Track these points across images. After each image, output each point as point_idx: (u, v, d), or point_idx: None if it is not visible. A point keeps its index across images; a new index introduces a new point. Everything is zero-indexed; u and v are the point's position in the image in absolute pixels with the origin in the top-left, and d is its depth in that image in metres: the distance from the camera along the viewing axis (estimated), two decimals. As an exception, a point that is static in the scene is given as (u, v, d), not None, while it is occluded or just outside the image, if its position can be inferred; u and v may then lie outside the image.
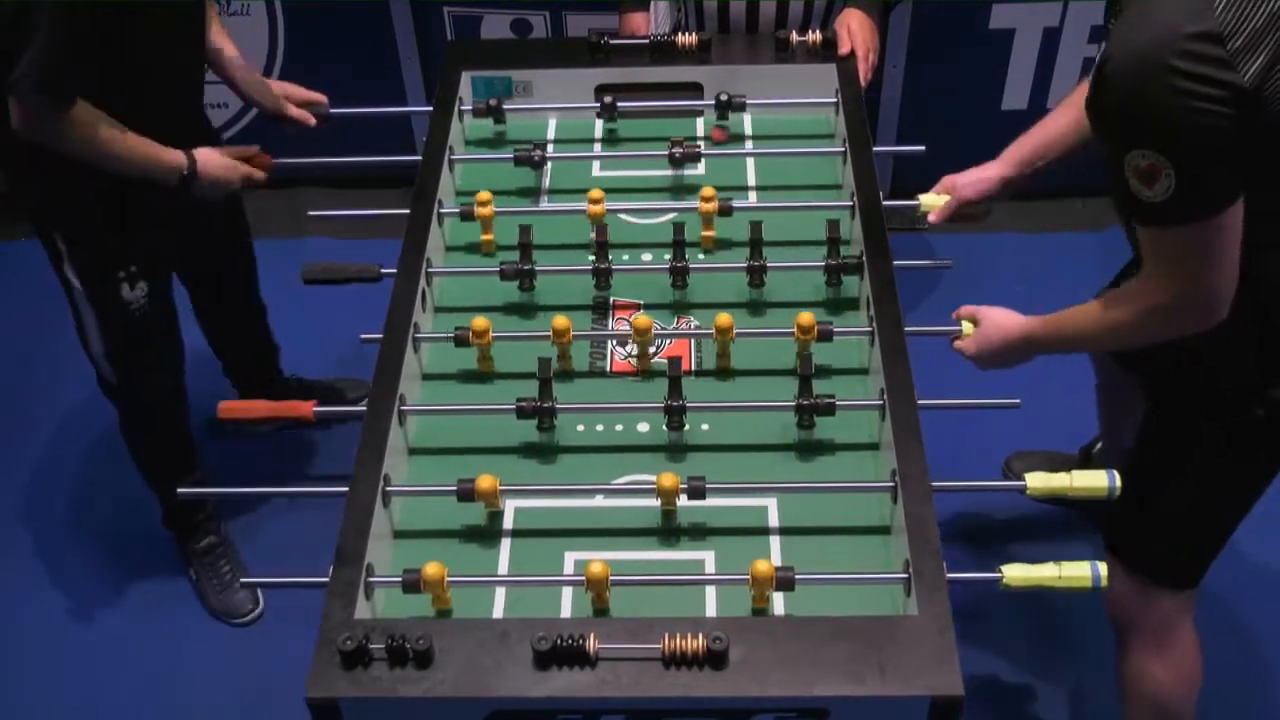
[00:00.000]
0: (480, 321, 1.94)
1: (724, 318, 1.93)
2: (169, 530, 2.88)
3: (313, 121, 2.60)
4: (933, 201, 2.21)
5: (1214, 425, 1.94)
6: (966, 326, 2.02)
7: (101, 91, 2.21)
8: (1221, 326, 1.74)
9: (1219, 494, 2.01)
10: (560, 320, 1.94)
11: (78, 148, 2.21)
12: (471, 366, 1.99)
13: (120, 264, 2.46)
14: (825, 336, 1.93)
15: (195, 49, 2.45)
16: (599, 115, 2.37)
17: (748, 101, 2.36)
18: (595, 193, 2.14)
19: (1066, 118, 2.08)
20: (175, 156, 2.35)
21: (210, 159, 2.39)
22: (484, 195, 2.14)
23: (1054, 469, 1.80)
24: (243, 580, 1.80)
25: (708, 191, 2.14)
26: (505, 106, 2.41)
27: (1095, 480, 1.76)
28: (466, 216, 2.15)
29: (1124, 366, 2.18)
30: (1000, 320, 1.98)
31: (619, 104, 2.37)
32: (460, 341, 1.95)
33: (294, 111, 2.59)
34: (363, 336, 2.05)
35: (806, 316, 1.92)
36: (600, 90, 2.43)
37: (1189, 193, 1.60)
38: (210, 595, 2.82)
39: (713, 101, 2.37)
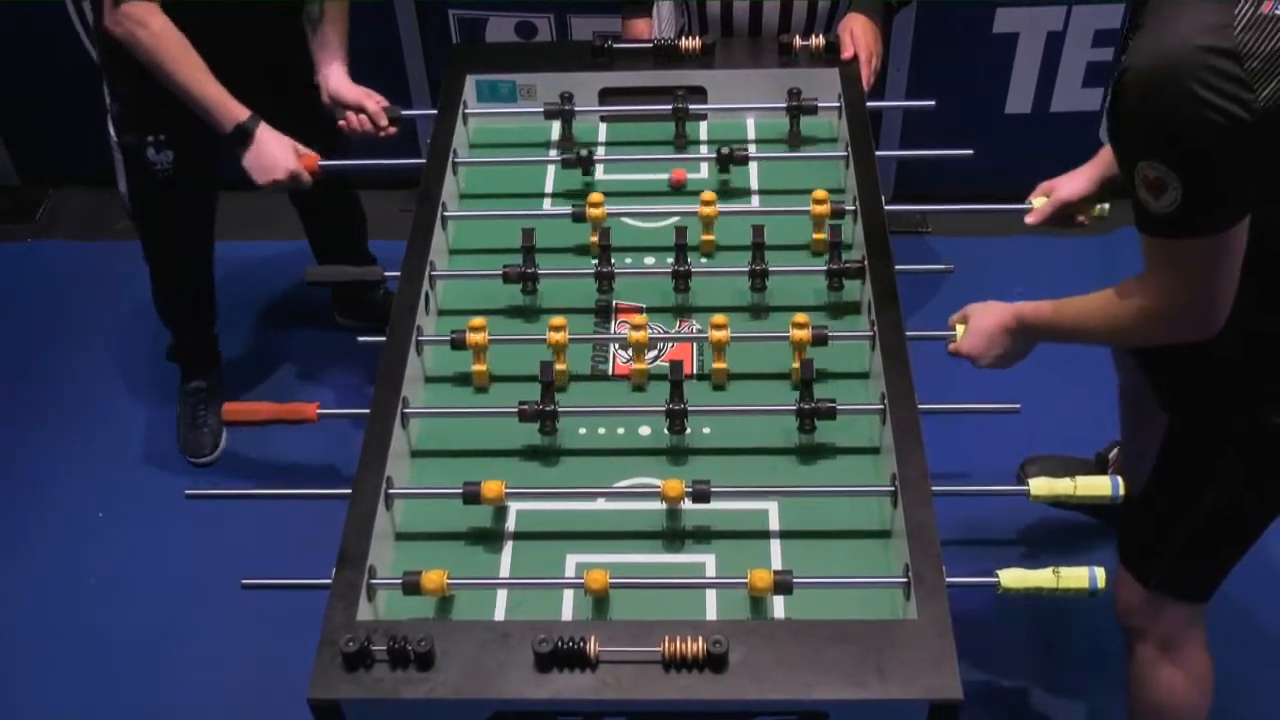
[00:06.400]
0: (477, 321, 1.95)
1: (718, 318, 1.93)
2: (171, 362, 3.11)
3: (384, 121, 2.59)
4: (1039, 204, 2.21)
5: (1233, 439, 1.93)
6: (960, 330, 2.02)
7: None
8: (1235, 337, 1.74)
9: (1237, 512, 1.99)
10: (556, 319, 1.94)
11: (146, 57, 2.40)
12: (470, 370, 2.00)
13: (149, 129, 2.65)
14: (820, 340, 1.93)
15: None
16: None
17: (750, 106, 2.37)
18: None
19: None
20: (233, 109, 2.46)
21: (269, 141, 2.46)
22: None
23: (1070, 474, 1.80)
24: (244, 581, 1.80)
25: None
26: (506, 110, 2.42)
27: (1099, 486, 1.76)
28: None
29: (1144, 371, 2.16)
30: (989, 307, 1.99)
31: (621, 107, 2.39)
32: (456, 344, 1.96)
33: (373, 106, 2.59)
34: (360, 339, 2.08)
35: (801, 316, 1.93)
36: (604, 94, 2.44)
37: (1194, 208, 1.60)
38: (181, 430, 3.10)
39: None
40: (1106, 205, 2.20)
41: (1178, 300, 1.71)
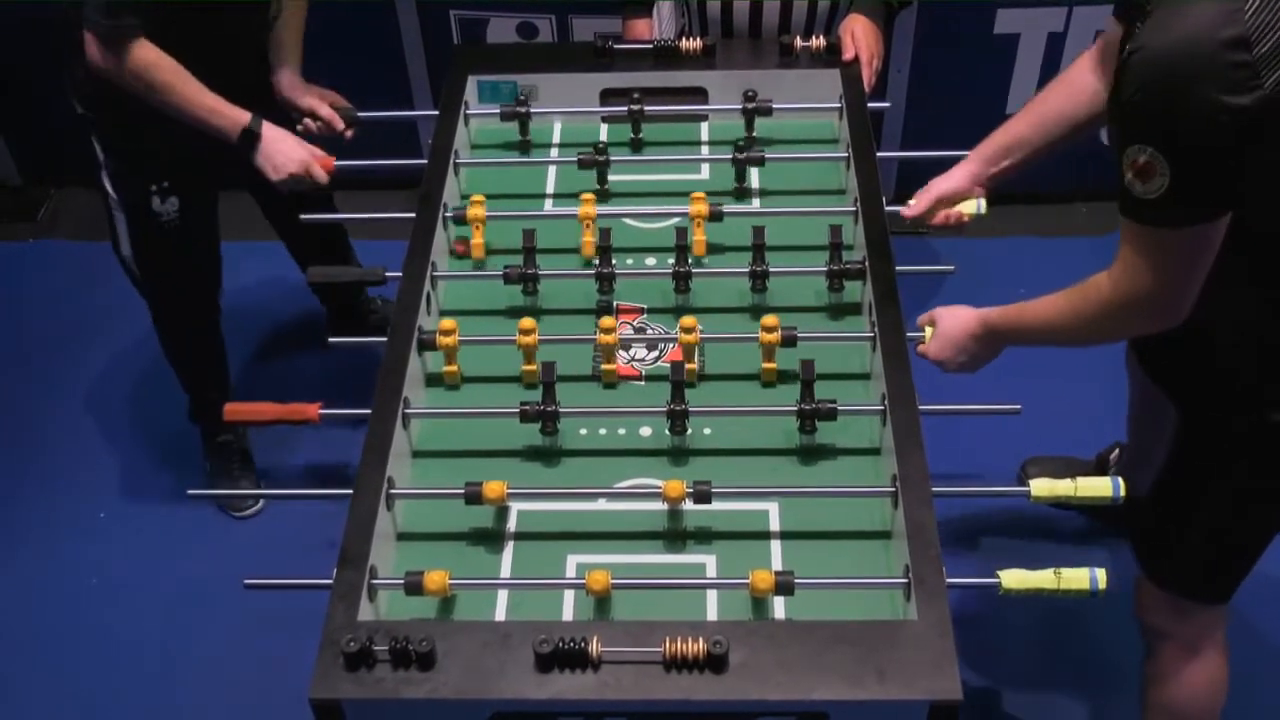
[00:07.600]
0: (447, 323, 1.95)
1: (688, 320, 1.93)
2: (193, 423, 3.03)
3: (341, 125, 2.59)
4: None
5: (1237, 440, 1.92)
6: (928, 332, 2.02)
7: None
8: (1248, 331, 1.73)
9: (1250, 512, 1.98)
10: (527, 322, 1.94)
11: (142, 86, 2.34)
12: (474, 371, 1.99)
13: (152, 178, 2.59)
14: (789, 342, 1.93)
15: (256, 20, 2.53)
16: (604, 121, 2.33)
17: (751, 107, 2.37)
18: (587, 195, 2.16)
19: (1025, 121, 2.09)
20: (236, 115, 2.43)
21: (278, 138, 2.44)
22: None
23: (1071, 475, 1.80)
24: (247, 581, 1.81)
25: (698, 194, 2.15)
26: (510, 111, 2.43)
27: (1100, 487, 1.76)
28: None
29: (1154, 380, 2.16)
30: (957, 313, 1.99)
31: (627, 108, 2.38)
32: (425, 345, 1.95)
33: (326, 111, 2.59)
34: (331, 340, 2.10)
35: (770, 319, 1.93)
36: (605, 95, 2.44)
37: (1179, 197, 1.59)
38: (216, 486, 3.00)
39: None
40: (983, 203, 2.19)
41: (1148, 288, 1.69)
